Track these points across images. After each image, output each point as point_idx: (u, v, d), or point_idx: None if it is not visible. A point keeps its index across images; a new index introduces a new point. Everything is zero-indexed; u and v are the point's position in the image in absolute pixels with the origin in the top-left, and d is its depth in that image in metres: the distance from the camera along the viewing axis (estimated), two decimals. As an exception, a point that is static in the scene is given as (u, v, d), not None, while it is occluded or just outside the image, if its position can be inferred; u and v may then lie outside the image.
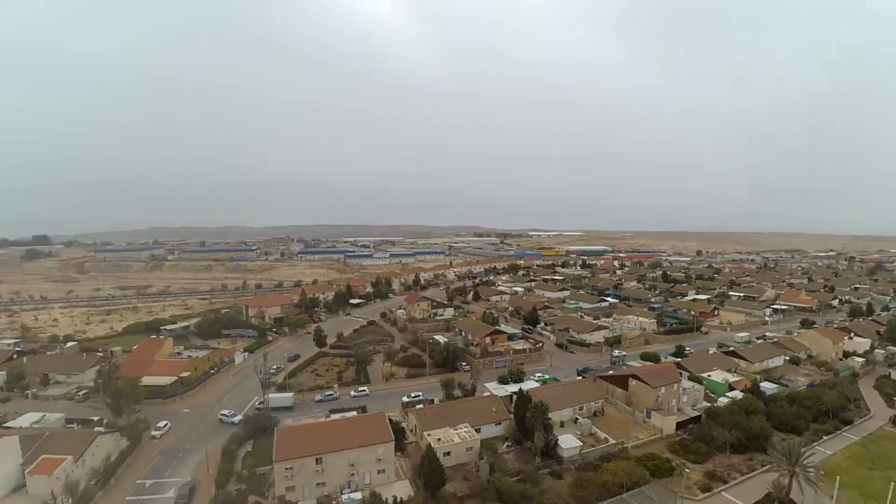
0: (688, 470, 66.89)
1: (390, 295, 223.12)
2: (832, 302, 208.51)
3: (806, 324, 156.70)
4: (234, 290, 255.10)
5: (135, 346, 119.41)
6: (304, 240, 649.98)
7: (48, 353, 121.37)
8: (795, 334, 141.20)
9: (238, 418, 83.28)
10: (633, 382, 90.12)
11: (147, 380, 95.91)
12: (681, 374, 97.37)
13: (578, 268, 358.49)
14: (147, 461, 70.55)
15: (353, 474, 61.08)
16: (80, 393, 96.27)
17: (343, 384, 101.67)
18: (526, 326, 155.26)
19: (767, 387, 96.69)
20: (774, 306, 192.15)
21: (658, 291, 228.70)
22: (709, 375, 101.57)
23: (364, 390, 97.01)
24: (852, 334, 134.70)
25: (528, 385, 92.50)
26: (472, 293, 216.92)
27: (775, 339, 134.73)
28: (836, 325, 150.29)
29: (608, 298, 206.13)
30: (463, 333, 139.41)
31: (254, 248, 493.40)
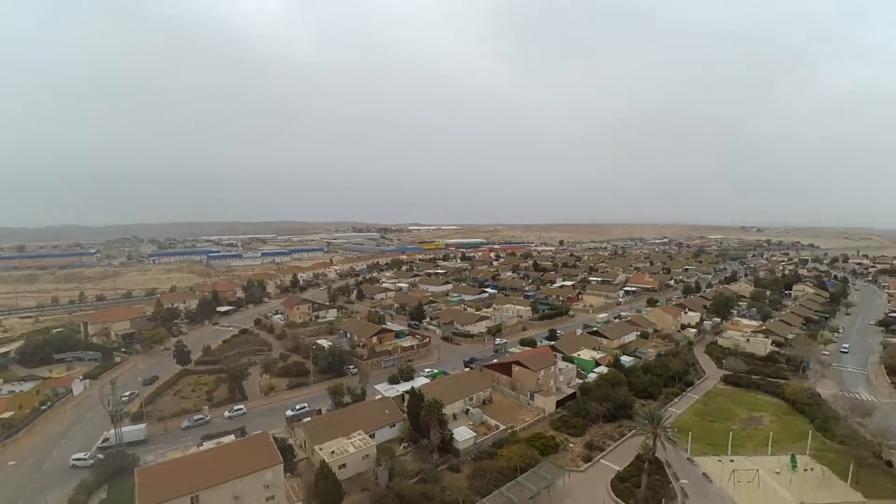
0: (571, 444, 72.57)
1: (265, 299, 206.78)
2: (669, 282, 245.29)
3: (651, 302, 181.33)
4: (68, 305, 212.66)
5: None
6: (157, 240, 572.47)
7: None
8: (644, 312, 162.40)
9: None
10: (516, 368, 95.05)
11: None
12: (555, 355, 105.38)
13: (459, 261, 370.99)
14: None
15: (237, 507, 54.09)
16: None
17: (215, 405, 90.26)
18: (412, 322, 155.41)
19: (626, 360, 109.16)
20: (626, 288, 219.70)
21: (530, 280, 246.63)
22: (578, 355, 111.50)
23: (241, 409, 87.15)
24: (687, 309, 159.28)
25: (419, 382, 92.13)
26: (355, 292, 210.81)
27: (629, 318, 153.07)
28: (673, 302, 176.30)
29: (487, 289, 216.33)
30: (348, 335, 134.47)
31: (92, 251, 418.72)
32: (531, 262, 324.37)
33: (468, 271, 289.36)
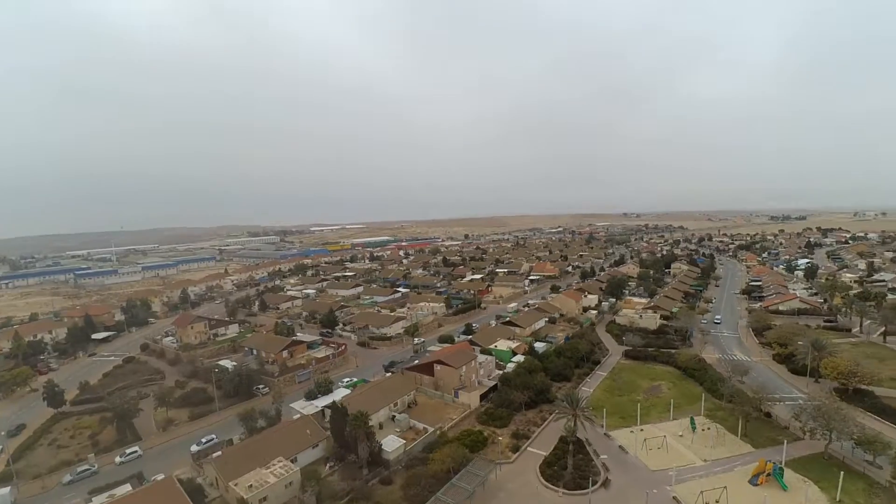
0: (499, 437, 73.68)
1: (151, 320, 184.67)
2: (568, 269, 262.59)
3: (554, 289, 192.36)
4: None
5: None
6: (10, 259, 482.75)
7: None
8: (549, 298, 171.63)
9: None
10: (438, 367, 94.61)
11: None
12: (474, 349, 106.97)
13: (367, 261, 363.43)
14: None
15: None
16: None
17: (102, 450, 77.31)
18: (325, 330, 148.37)
19: (539, 346, 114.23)
20: (531, 277, 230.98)
21: (441, 276, 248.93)
22: (496, 346, 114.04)
23: (135, 451, 75.39)
24: (586, 293, 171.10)
25: (340, 394, 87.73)
26: (257, 303, 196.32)
27: (536, 305, 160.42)
28: (574, 287, 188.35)
29: (400, 289, 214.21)
30: (255, 352, 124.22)
31: None
32: (440, 257, 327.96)
33: (378, 272, 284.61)
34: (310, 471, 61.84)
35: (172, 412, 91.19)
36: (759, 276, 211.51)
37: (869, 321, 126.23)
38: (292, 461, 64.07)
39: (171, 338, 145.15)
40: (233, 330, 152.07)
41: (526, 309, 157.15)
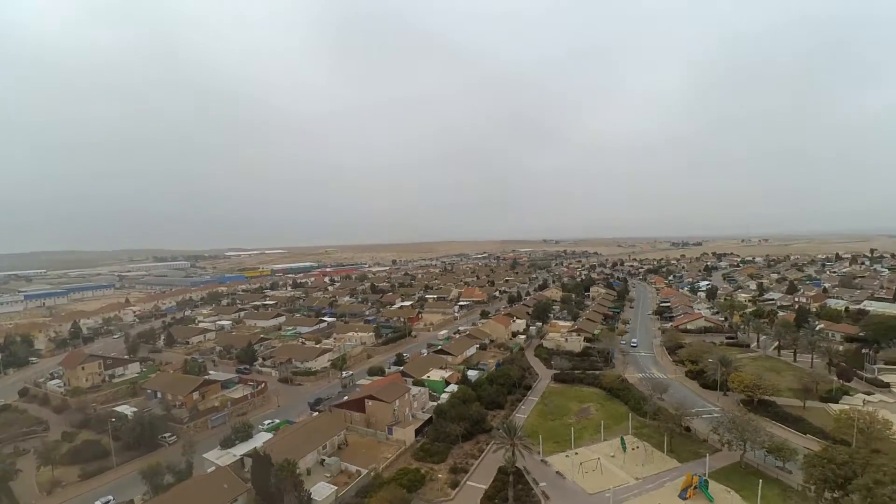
0: (438, 474, 70.58)
1: (33, 359, 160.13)
2: (495, 293, 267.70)
3: (483, 314, 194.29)
4: None
5: None
6: None
7: None
8: (479, 324, 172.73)
9: None
10: (369, 403, 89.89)
11: None
12: (406, 381, 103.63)
13: (290, 288, 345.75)
14: None
15: None
16: None
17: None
18: (242, 367, 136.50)
19: (472, 374, 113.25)
20: (460, 303, 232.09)
21: (370, 304, 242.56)
22: (428, 376, 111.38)
23: (4, 524, 63.14)
24: (514, 318, 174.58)
25: (261, 438, 79.86)
26: (163, 337, 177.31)
27: (467, 332, 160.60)
28: (502, 312, 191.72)
29: (326, 318, 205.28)
30: (159, 395, 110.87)
31: None
32: (368, 284, 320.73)
33: (302, 300, 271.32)
34: (227, 532, 54.64)
35: (59, 471, 77.36)
36: (667, 297, 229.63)
37: (764, 337, 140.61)
38: (206, 522, 56.37)
39: (57, 380, 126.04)
40: (133, 369, 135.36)
41: (457, 336, 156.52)
